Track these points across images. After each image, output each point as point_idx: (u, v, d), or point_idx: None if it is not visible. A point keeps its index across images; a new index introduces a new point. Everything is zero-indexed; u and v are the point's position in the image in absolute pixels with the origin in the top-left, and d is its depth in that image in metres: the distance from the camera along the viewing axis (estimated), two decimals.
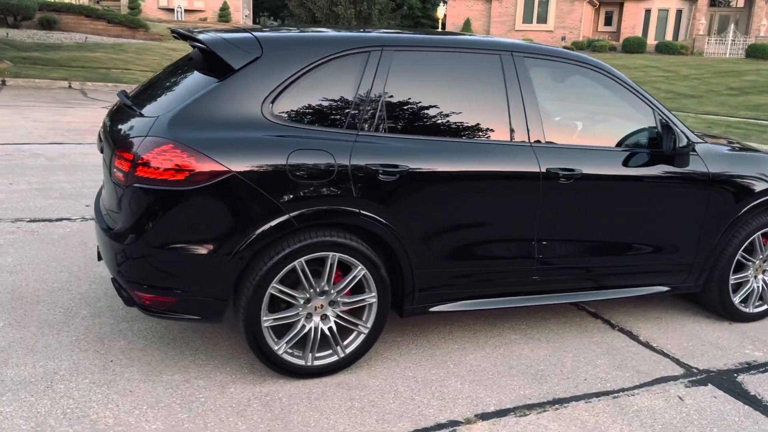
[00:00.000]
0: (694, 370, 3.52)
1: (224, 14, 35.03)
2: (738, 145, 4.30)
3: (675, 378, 3.43)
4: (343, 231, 3.06)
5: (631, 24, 39.50)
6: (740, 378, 3.47)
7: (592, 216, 3.56)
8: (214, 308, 2.95)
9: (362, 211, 3.02)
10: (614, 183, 3.56)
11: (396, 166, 3.06)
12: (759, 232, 4.00)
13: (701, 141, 3.89)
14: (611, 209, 3.59)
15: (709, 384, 3.39)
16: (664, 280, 3.90)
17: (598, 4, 40.32)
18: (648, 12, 39.66)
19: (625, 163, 3.58)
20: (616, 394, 3.23)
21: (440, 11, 25.86)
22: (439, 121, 3.25)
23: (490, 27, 36.47)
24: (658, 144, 3.65)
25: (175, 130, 2.80)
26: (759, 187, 3.90)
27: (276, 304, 3.04)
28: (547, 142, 3.43)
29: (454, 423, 2.90)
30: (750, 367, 3.60)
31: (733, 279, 4.05)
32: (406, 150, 3.11)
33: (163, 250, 2.84)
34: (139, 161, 2.78)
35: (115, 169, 2.93)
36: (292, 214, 2.90)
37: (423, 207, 3.16)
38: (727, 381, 3.43)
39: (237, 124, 2.89)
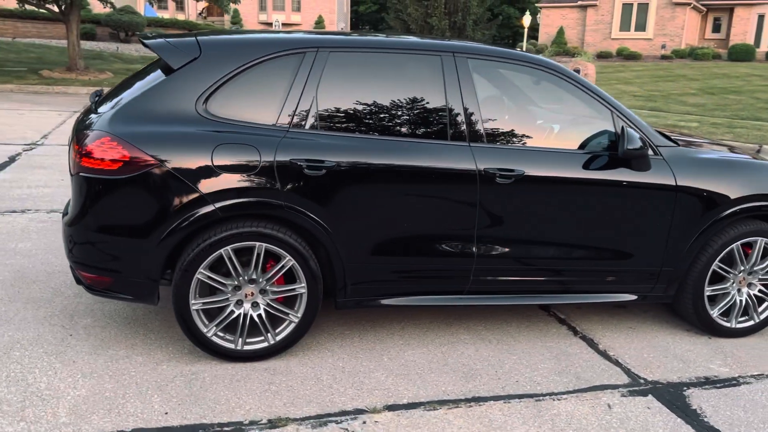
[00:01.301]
0: (641, 381, 3.39)
1: (319, 27, 36.20)
2: (721, 150, 4.07)
3: (615, 387, 3.32)
4: (271, 222, 3.22)
5: (741, 30, 37.19)
6: (689, 392, 3.31)
7: (538, 217, 3.51)
8: (146, 289, 3.19)
9: (287, 204, 3.16)
10: (563, 185, 3.50)
11: (322, 162, 3.18)
12: (738, 242, 3.78)
13: (670, 145, 3.73)
14: (560, 211, 3.53)
15: (650, 395, 3.26)
16: (627, 287, 3.77)
17: (705, 10, 38.27)
18: (761, 18, 37.19)
19: (577, 165, 3.51)
20: (541, 398, 3.18)
21: (526, 20, 25.44)
22: (373, 120, 3.34)
23: (584, 35, 35.48)
24: (617, 147, 3.56)
25: (114, 124, 3.08)
26: (734, 194, 3.69)
27: (214, 290, 3.24)
28: (488, 143, 3.44)
29: (360, 411, 2.97)
30: (707, 382, 3.42)
31: (709, 290, 3.84)
32: (335, 147, 3.23)
33: (100, 233, 3.11)
34: (83, 152, 3.07)
35: (71, 161, 3.24)
36: (216, 205, 3.09)
37: (353, 203, 3.26)
38: (671, 394, 3.28)
39: (172, 120, 3.12)
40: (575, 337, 3.87)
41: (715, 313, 3.89)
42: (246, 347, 3.31)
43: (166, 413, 2.86)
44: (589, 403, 3.15)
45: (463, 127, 3.41)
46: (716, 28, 40.06)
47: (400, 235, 3.38)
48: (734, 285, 3.90)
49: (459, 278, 3.53)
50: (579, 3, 36.00)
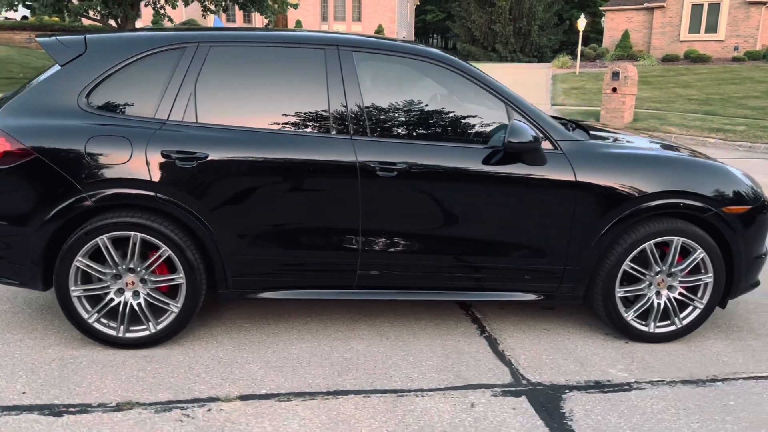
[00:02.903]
0: (524, 382, 3.26)
1: None
2: (653, 147, 3.87)
3: (491, 387, 3.21)
4: (148, 213, 3.30)
5: None
6: (569, 395, 3.16)
7: (426, 212, 3.44)
8: (29, 275, 3.33)
9: (159, 195, 3.24)
10: (452, 179, 3.42)
11: (193, 153, 3.25)
12: (651, 241, 3.58)
13: (575, 139, 3.58)
14: (450, 206, 3.45)
15: (524, 396, 3.13)
16: (527, 286, 3.63)
17: None
18: None
19: (468, 160, 3.43)
20: (405, 394, 3.12)
21: (581, 23, 24.74)
22: (253, 113, 3.38)
23: (650, 39, 34.14)
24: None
25: (1, 119, 3.25)
26: (643, 191, 3.49)
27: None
28: (372, 136, 3.41)
29: (212, 399, 3.01)
30: (595, 386, 3.25)
31: (622, 292, 3.65)
32: (210, 139, 3.29)
33: None
34: None
35: None
36: (88, 194, 3.21)
37: (229, 195, 3.31)
38: (548, 396, 3.14)
39: (56, 113, 3.28)
40: (479, 337, 3.76)
41: (629, 316, 3.68)
42: (128, 335, 3.41)
43: (24, 393, 2.98)
44: (453, 401, 3.06)
45: (346, 120, 3.40)
46: None
47: (280, 228, 3.39)
48: (652, 287, 3.69)
49: (345, 273, 3.50)
50: (645, 5, 34.72)
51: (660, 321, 3.73)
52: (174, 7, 17.79)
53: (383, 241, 3.46)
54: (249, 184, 3.31)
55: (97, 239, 3.26)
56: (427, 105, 3.58)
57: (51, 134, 3.22)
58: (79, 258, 3.27)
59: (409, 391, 3.15)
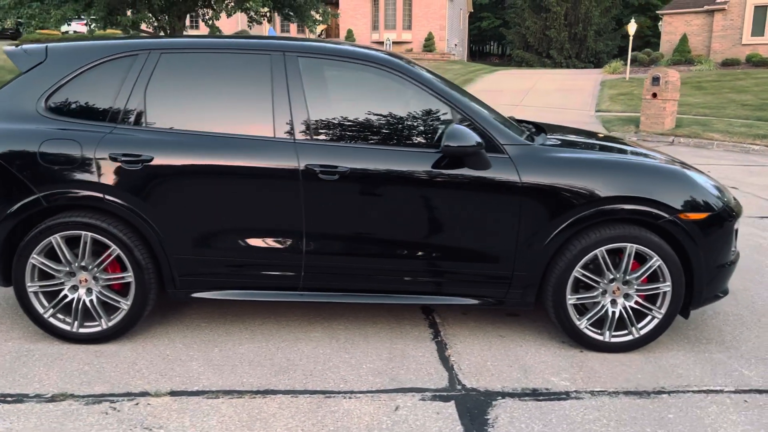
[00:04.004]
0: (458, 388, 3.23)
1: (428, 44, 36.48)
2: (623, 154, 3.78)
3: (423, 391, 3.19)
4: (98, 213, 3.44)
5: None
6: (500, 401, 3.12)
7: (371, 215, 3.46)
8: None
9: (106, 197, 3.38)
10: (396, 183, 3.43)
11: (138, 156, 3.37)
12: (603, 248, 3.48)
13: (523, 143, 3.53)
14: (395, 209, 3.45)
15: (452, 401, 3.10)
16: (477, 291, 3.60)
17: None
18: None
19: (413, 163, 3.43)
20: (333, 395, 3.14)
21: (631, 27, 24.04)
22: (201, 117, 3.48)
23: (710, 42, 32.90)
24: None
25: None
26: (592, 196, 3.41)
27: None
28: (315, 140, 3.46)
29: (143, 394, 3.11)
30: (531, 394, 3.19)
31: (574, 299, 3.56)
32: (156, 142, 3.41)
33: None
34: None
35: None
36: (42, 195, 3.37)
37: (173, 196, 3.41)
38: (478, 402, 3.10)
39: (15, 118, 3.47)
40: (430, 341, 3.74)
41: (583, 324, 3.59)
42: (82, 330, 3.55)
43: None
44: (379, 404, 3.06)
45: (290, 124, 3.46)
46: None
47: (224, 230, 3.47)
48: (607, 295, 3.59)
49: (290, 275, 3.55)
50: (705, 8, 33.54)
51: (617, 330, 3.62)
52: (217, 18, 18.31)
53: (327, 244, 3.50)
54: (193, 185, 3.41)
55: (51, 238, 3.42)
56: (372, 109, 3.59)
57: (9, 138, 3.41)
58: (35, 255, 3.44)
59: (339, 392, 3.17)
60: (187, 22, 20.45)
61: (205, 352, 3.54)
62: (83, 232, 3.42)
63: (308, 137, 3.45)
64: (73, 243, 3.48)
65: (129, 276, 3.49)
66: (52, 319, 3.54)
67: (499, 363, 3.50)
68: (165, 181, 3.39)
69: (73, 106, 3.48)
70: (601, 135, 4.55)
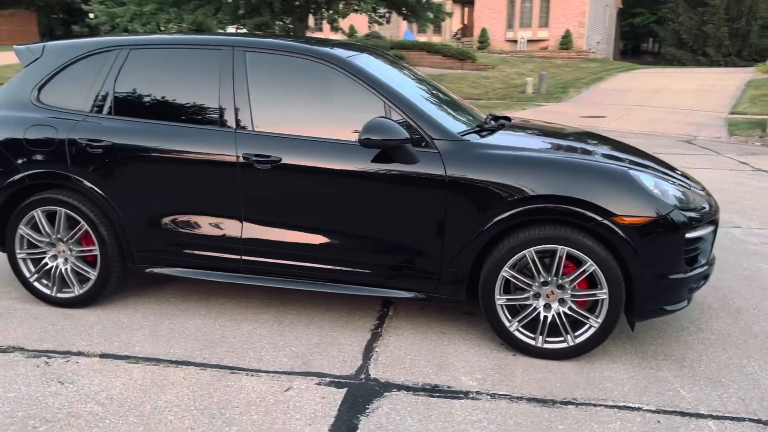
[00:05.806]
0: (361, 377, 3.27)
1: (565, 42, 35.20)
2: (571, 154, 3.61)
3: (324, 376, 3.28)
4: (70, 192, 3.88)
5: None
6: (391, 394, 3.12)
7: (303, 205, 3.59)
8: None
9: (74, 176, 3.81)
10: (327, 174, 3.53)
11: (99, 141, 3.76)
12: (532, 248, 3.35)
13: (455, 138, 3.48)
14: (324, 199, 3.56)
15: (345, 389, 3.16)
16: (407, 284, 3.60)
17: None
18: None
19: (345, 156, 3.52)
20: (238, 371, 3.31)
21: None
22: (158, 107, 3.81)
23: None
24: None
25: None
26: (517, 194, 3.30)
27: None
28: (255, 130, 3.65)
29: (79, 353, 3.48)
30: (428, 390, 3.16)
31: (503, 300, 3.46)
32: (116, 129, 3.78)
33: None
34: None
35: None
36: (25, 173, 3.87)
37: (128, 178, 3.77)
38: (369, 392, 3.13)
39: (15, 106, 4.00)
40: (367, 332, 3.79)
41: (513, 326, 3.48)
42: (59, 295, 4.02)
43: None
44: (274, 384, 3.20)
45: (233, 114, 3.68)
46: None
47: (173, 212, 3.77)
48: (540, 298, 3.44)
49: (230, 257, 3.77)
50: None
51: (551, 336, 3.46)
52: (335, 20, 19.04)
53: (263, 230, 3.67)
54: (145, 170, 3.74)
55: (33, 212, 3.90)
56: (311, 101, 3.72)
57: (7, 123, 3.94)
58: (21, 227, 3.94)
59: (246, 369, 3.34)
60: (311, 23, 21.41)
61: (156, 324, 3.86)
62: (58, 208, 3.87)
63: (248, 127, 3.65)
64: (52, 218, 3.94)
65: (95, 249, 3.89)
66: (36, 284, 4.03)
67: (420, 358, 3.49)
68: (122, 164, 3.75)
69: (58, 96, 3.95)
70: (582, 135, 4.31)
